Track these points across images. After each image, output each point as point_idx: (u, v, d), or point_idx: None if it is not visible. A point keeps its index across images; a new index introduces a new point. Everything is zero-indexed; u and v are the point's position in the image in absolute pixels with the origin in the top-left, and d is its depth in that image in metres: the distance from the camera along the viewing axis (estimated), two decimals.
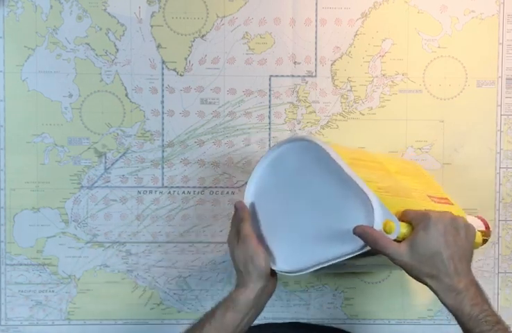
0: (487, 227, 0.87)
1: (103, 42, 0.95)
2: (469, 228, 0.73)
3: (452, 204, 0.86)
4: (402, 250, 0.70)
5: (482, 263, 0.98)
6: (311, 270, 0.75)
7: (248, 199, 0.83)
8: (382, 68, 0.96)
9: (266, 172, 0.82)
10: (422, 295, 0.98)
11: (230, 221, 0.84)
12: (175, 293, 0.97)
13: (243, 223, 0.80)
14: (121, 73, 0.95)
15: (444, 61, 0.96)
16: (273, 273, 0.80)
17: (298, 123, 0.96)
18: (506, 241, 0.98)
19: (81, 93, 0.95)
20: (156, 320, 0.97)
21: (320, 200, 0.77)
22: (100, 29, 0.94)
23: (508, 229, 0.98)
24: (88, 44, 0.94)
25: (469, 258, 0.72)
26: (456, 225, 0.71)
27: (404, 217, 0.72)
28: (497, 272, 0.98)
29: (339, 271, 0.95)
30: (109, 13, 0.94)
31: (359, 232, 0.70)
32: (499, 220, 0.98)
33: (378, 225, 0.70)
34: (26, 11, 0.94)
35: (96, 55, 0.95)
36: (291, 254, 0.78)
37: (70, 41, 0.94)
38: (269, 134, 0.96)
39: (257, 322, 0.83)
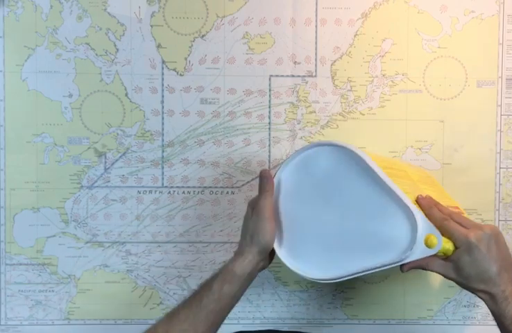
0: None
1: (103, 42, 0.95)
2: (502, 235, 0.74)
3: (463, 213, 0.86)
4: (449, 271, 0.73)
5: None
6: (345, 279, 0.74)
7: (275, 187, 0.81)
8: (382, 68, 0.96)
9: (290, 172, 0.81)
10: (422, 295, 0.98)
11: (247, 203, 0.82)
12: (175, 293, 0.97)
13: (264, 194, 0.79)
14: (121, 73, 0.95)
15: (444, 61, 0.97)
16: (272, 252, 0.80)
17: (298, 123, 0.96)
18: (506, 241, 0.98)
19: (81, 93, 0.95)
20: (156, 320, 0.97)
21: (353, 207, 0.75)
22: (100, 29, 0.94)
23: (508, 230, 0.98)
24: (88, 44, 0.94)
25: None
26: (496, 239, 0.72)
27: (443, 230, 0.72)
28: None
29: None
30: (109, 13, 0.94)
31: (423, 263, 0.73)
32: (499, 221, 0.98)
33: (420, 239, 0.70)
34: (26, 11, 0.94)
35: (96, 55, 0.95)
36: (320, 260, 0.77)
37: (70, 41, 0.94)
38: (269, 134, 0.96)
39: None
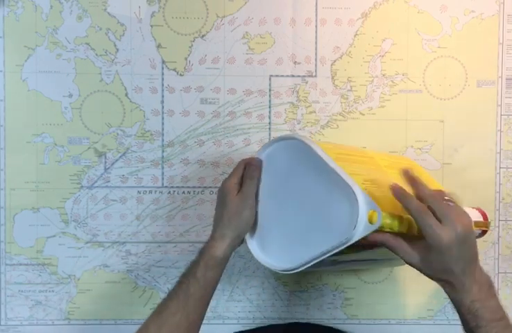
0: (485, 218, 0.86)
1: (103, 42, 0.95)
2: (473, 232, 0.74)
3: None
4: (415, 260, 0.71)
5: (482, 264, 0.96)
6: (305, 267, 0.75)
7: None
8: (382, 68, 0.96)
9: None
10: (422, 295, 0.98)
11: (220, 187, 0.82)
12: None
13: (251, 180, 0.80)
14: (121, 73, 0.95)
15: (444, 61, 0.97)
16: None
17: (298, 123, 0.96)
18: (506, 241, 0.98)
19: (81, 93, 0.95)
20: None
21: (308, 198, 0.77)
22: (100, 29, 0.94)
23: (508, 230, 0.98)
24: (88, 44, 0.94)
25: (476, 260, 0.73)
26: (468, 238, 0.71)
27: (418, 222, 0.71)
28: (497, 272, 0.98)
29: (339, 269, 0.95)
30: (109, 13, 0.94)
31: (380, 239, 0.71)
32: (499, 220, 0.98)
33: (363, 216, 0.70)
34: (26, 11, 0.94)
35: (96, 55, 0.95)
36: (284, 252, 0.78)
37: (70, 41, 0.94)
38: (269, 134, 0.96)
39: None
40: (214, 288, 0.80)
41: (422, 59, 0.96)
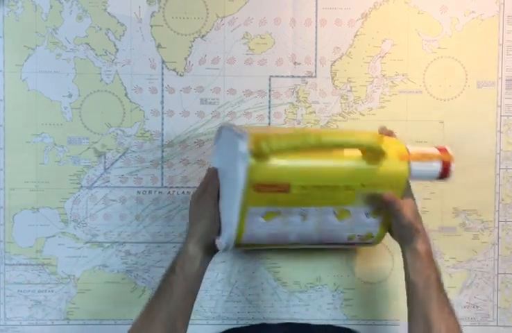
0: (442, 150, 0.84)
1: (103, 42, 0.94)
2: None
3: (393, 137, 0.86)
4: (404, 207, 0.81)
5: (482, 264, 0.98)
6: (235, 231, 0.78)
7: None
8: (382, 68, 0.96)
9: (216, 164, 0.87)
10: None
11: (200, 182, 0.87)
12: None
13: (213, 187, 0.83)
14: (121, 73, 0.95)
15: (444, 62, 0.96)
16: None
17: (298, 124, 0.96)
18: (506, 242, 0.98)
19: (81, 93, 0.95)
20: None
21: (228, 176, 0.81)
22: (100, 29, 0.94)
23: (508, 230, 0.98)
24: (88, 44, 0.94)
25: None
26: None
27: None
28: (496, 273, 0.98)
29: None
30: (109, 13, 0.94)
31: (388, 199, 0.80)
32: (498, 221, 0.98)
33: (243, 148, 0.73)
34: (26, 11, 0.94)
35: (96, 55, 0.95)
36: (223, 233, 0.81)
37: (70, 41, 0.94)
38: None
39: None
40: (196, 285, 0.82)
41: (422, 59, 0.96)
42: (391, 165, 0.79)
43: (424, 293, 0.80)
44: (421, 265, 0.80)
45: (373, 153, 0.77)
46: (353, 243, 0.86)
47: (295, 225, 0.80)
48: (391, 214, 0.82)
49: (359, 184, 0.78)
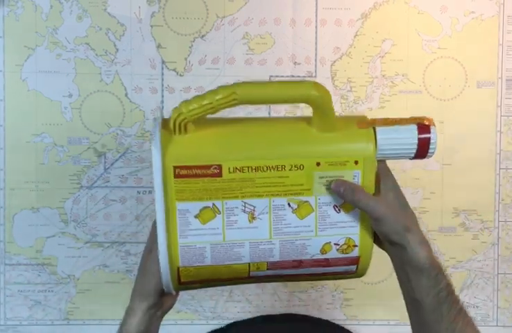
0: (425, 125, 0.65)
1: (103, 42, 0.95)
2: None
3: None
4: (379, 200, 0.61)
5: (482, 264, 0.98)
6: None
7: None
8: (382, 68, 0.96)
9: None
10: None
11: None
12: None
13: (148, 239, 0.71)
14: (121, 73, 0.95)
15: (444, 62, 0.96)
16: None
17: None
18: (505, 242, 0.98)
19: (81, 93, 0.95)
20: None
21: None
22: (100, 29, 0.94)
23: (508, 230, 0.98)
24: (88, 44, 0.94)
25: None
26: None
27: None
28: (496, 273, 0.98)
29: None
30: (109, 13, 0.94)
31: (338, 185, 0.60)
32: (498, 221, 0.98)
33: (155, 123, 0.63)
34: (26, 11, 0.94)
35: (96, 55, 0.95)
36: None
37: (70, 41, 0.94)
38: None
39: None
40: None
41: (422, 60, 0.96)
42: (350, 134, 0.61)
43: (435, 313, 0.62)
44: (427, 281, 0.60)
45: (321, 116, 0.60)
46: (331, 265, 0.64)
47: (242, 228, 0.61)
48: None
49: (311, 162, 0.60)
